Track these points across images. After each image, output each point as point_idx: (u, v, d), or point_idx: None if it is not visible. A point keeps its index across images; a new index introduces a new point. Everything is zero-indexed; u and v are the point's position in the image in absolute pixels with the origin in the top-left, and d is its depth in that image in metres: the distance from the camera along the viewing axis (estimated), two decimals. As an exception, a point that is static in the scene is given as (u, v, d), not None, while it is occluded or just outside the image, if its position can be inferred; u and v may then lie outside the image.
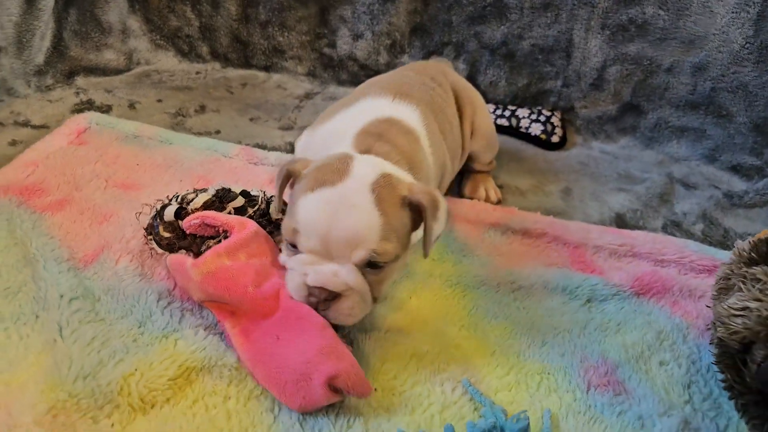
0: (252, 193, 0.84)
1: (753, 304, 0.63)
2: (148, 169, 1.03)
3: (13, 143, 1.08)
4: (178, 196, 0.79)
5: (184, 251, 0.80)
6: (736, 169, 1.32)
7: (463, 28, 1.38)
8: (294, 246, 0.69)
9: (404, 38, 1.43)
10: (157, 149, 1.08)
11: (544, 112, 1.38)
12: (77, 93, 1.30)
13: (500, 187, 1.17)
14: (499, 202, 1.11)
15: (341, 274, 0.67)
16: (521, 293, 0.86)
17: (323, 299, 0.68)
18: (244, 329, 0.69)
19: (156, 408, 0.62)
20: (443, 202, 0.74)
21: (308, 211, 0.67)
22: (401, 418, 0.65)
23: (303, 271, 0.69)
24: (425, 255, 0.74)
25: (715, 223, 1.14)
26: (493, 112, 1.39)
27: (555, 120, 1.36)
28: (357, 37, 1.44)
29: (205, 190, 0.80)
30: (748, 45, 1.23)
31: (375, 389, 0.67)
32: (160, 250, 0.79)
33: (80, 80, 1.35)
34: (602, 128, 1.42)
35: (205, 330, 0.71)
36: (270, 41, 1.49)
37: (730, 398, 0.67)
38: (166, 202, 0.79)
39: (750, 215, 1.18)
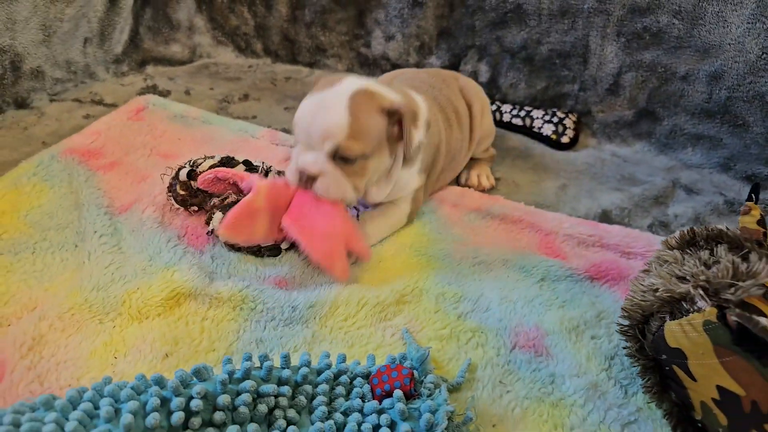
0: (254, 163, 1.00)
1: (657, 281, 0.70)
2: (187, 143, 1.22)
3: (87, 117, 1.31)
4: (191, 161, 0.96)
5: (195, 207, 0.98)
6: (750, 178, 1.32)
7: (485, 33, 1.48)
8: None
9: (432, 40, 1.55)
10: (197, 128, 1.27)
11: (558, 113, 1.44)
12: (145, 79, 1.53)
13: (498, 179, 1.26)
14: (491, 189, 1.21)
15: (318, 161, 0.84)
16: (480, 267, 0.95)
17: (305, 179, 0.85)
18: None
19: (148, 320, 0.79)
20: (424, 113, 0.90)
21: (300, 110, 0.86)
22: (339, 349, 0.78)
23: (295, 158, 0.87)
24: (405, 156, 0.89)
25: (706, 226, 1.16)
26: (509, 111, 1.47)
27: (568, 122, 1.43)
28: (389, 38, 1.57)
29: (212, 157, 0.96)
30: (764, 55, 1.24)
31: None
32: (176, 205, 0.97)
33: (150, 68, 1.59)
34: (618, 132, 1.46)
35: (198, 268, 0.87)
36: (314, 40, 1.66)
37: (631, 365, 0.74)
38: (182, 165, 0.97)
39: (748, 223, 1.19)
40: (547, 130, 1.42)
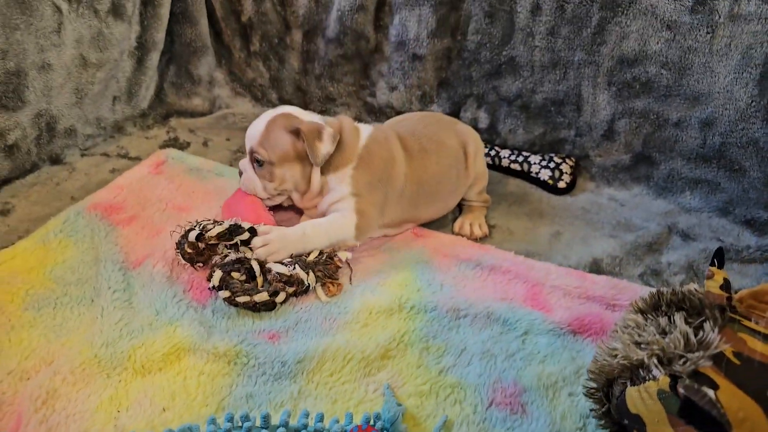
0: (258, 229, 1.08)
1: (618, 346, 0.74)
2: (199, 195, 1.31)
3: (113, 171, 1.42)
4: (200, 224, 1.05)
5: (200, 264, 1.06)
6: (749, 223, 1.34)
7: (482, 83, 1.54)
8: None
9: (432, 90, 1.62)
10: (210, 180, 1.37)
11: (556, 158, 1.49)
12: (168, 132, 1.65)
13: (493, 226, 1.31)
14: (484, 238, 1.26)
15: (245, 162, 1.17)
16: (466, 320, 1.00)
17: (240, 174, 1.18)
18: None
19: (151, 373, 0.86)
20: (328, 131, 1.10)
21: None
22: (323, 405, 0.83)
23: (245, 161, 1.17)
24: (314, 163, 1.11)
25: (699, 275, 1.18)
26: (508, 156, 1.53)
27: (565, 166, 1.47)
28: (392, 88, 1.65)
29: (221, 224, 1.05)
30: (753, 103, 1.27)
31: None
32: (183, 261, 1.06)
33: (173, 121, 1.71)
34: (616, 176, 1.50)
35: (199, 323, 0.95)
36: (323, 90, 1.76)
37: (599, 427, 0.77)
38: (192, 227, 1.05)
39: (744, 270, 1.20)
40: (545, 175, 1.46)
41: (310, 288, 1.04)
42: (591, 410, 0.77)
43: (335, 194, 1.14)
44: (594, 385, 0.76)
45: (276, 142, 1.11)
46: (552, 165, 1.47)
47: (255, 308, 0.99)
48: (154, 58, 1.62)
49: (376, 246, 1.19)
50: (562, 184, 1.44)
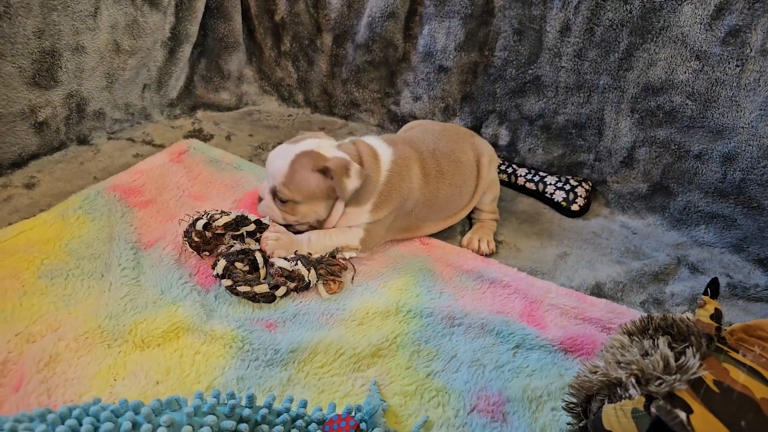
0: (264, 221, 1.10)
1: (600, 364, 0.74)
2: (216, 186, 1.35)
3: (137, 156, 1.48)
4: (208, 214, 1.08)
5: (206, 252, 1.09)
6: (762, 262, 1.32)
7: (505, 100, 1.56)
8: None
9: (456, 103, 1.64)
10: (228, 172, 1.41)
11: (572, 181, 1.49)
12: (193, 123, 1.70)
13: (500, 242, 1.32)
14: (491, 254, 1.27)
15: (265, 190, 1.16)
16: (460, 329, 1.01)
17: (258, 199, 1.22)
18: None
19: (149, 348, 0.90)
20: (355, 168, 1.09)
21: (271, 152, 1.15)
22: (309, 393, 0.85)
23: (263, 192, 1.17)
24: (341, 198, 1.10)
25: (702, 308, 1.17)
26: (524, 175, 1.53)
27: (580, 190, 1.47)
28: (416, 98, 1.68)
29: (228, 214, 1.08)
30: (778, 141, 1.25)
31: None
32: (190, 249, 1.09)
33: (200, 113, 1.76)
34: (632, 204, 1.49)
35: (201, 305, 0.98)
36: (348, 95, 1.79)
37: None
38: (200, 216, 1.08)
39: (749, 308, 1.19)
40: (559, 196, 1.46)
41: (311, 284, 1.06)
42: (568, 424, 0.77)
43: (352, 221, 1.16)
44: (573, 400, 0.77)
45: (302, 183, 1.09)
46: (567, 187, 1.47)
47: (255, 299, 1.02)
48: (186, 50, 1.67)
49: (382, 251, 1.21)
50: (575, 207, 1.44)
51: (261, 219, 1.11)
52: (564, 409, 0.78)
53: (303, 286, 1.06)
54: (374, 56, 1.67)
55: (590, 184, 1.50)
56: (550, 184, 1.49)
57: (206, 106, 1.78)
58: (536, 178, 1.51)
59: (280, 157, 1.10)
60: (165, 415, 0.67)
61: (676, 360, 0.70)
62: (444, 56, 1.57)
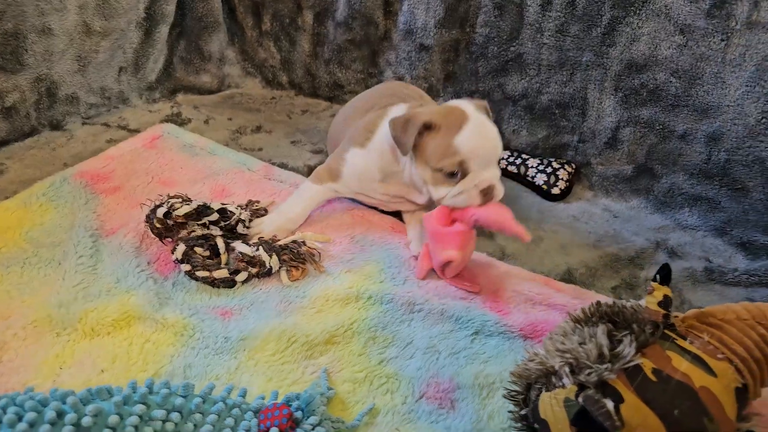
0: (229, 209, 1.09)
1: (540, 352, 0.72)
2: (187, 172, 1.33)
3: (110, 141, 1.46)
4: (169, 202, 1.06)
5: (169, 239, 1.08)
6: (745, 246, 1.27)
7: (488, 79, 1.51)
8: (453, 175, 1.03)
9: (439, 83, 1.59)
10: (201, 158, 1.39)
11: (554, 164, 1.44)
12: (172, 107, 1.68)
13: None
14: None
15: (497, 174, 1.06)
16: (419, 315, 0.99)
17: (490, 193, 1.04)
18: None
19: (99, 336, 0.89)
20: None
21: (473, 144, 1.01)
22: (256, 381, 0.84)
23: (474, 184, 1.02)
24: None
25: (675, 293, 1.12)
26: (506, 158, 1.49)
27: (562, 173, 1.42)
28: (399, 79, 1.63)
29: (189, 203, 1.06)
30: (764, 120, 1.20)
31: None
32: (152, 235, 1.08)
33: (180, 97, 1.74)
34: (616, 186, 1.44)
35: (155, 294, 0.97)
36: (332, 76, 1.75)
37: (513, 428, 0.75)
38: (161, 203, 1.07)
39: (725, 292, 1.15)
40: (540, 179, 1.42)
41: (273, 271, 1.04)
42: (509, 412, 0.75)
43: None
44: (515, 388, 0.75)
45: None
46: (549, 170, 1.43)
47: (214, 284, 1.01)
48: (163, 31, 1.65)
49: (351, 237, 1.18)
50: (555, 191, 1.40)
51: (225, 207, 1.09)
52: (505, 397, 0.76)
53: (264, 272, 1.04)
54: (355, 34, 1.63)
55: (573, 167, 1.46)
56: (532, 167, 1.45)
57: (187, 89, 1.76)
58: (518, 161, 1.47)
59: (493, 133, 1.05)
60: (92, 405, 0.66)
61: (613, 348, 0.67)
62: (425, 34, 1.52)
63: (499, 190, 1.05)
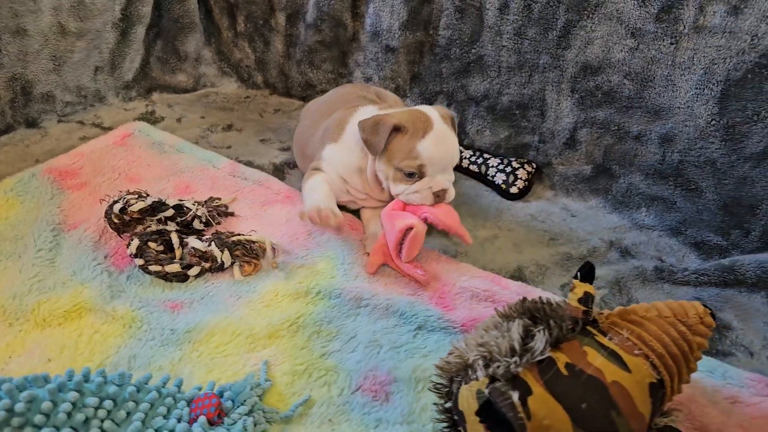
0: (185, 205, 1.12)
1: (462, 346, 0.75)
2: (154, 169, 1.37)
3: (83, 138, 1.50)
4: (125, 198, 1.10)
5: (127, 234, 1.11)
6: (698, 246, 1.30)
7: (451, 80, 1.54)
8: (412, 175, 1.11)
9: (405, 84, 1.62)
10: (169, 155, 1.43)
11: (514, 163, 1.47)
12: (147, 105, 1.71)
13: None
14: None
15: (451, 179, 1.15)
16: (365, 310, 1.02)
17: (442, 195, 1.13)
18: None
19: (50, 327, 0.93)
20: None
21: (431, 149, 1.09)
22: (198, 372, 0.87)
23: (429, 186, 1.11)
24: None
25: (623, 291, 1.16)
26: (468, 158, 1.52)
27: (521, 172, 1.45)
28: (367, 79, 1.67)
29: (145, 199, 1.10)
30: (713, 122, 1.22)
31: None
32: (110, 229, 1.11)
33: (156, 95, 1.77)
34: (577, 186, 1.47)
35: (108, 287, 1.01)
36: (303, 76, 1.79)
37: (436, 421, 0.78)
38: (118, 199, 1.10)
39: (673, 292, 1.17)
40: (499, 179, 1.45)
41: (226, 266, 1.08)
42: (434, 404, 0.78)
43: None
44: (440, 380, 0.77)
45: None
46: (509, 169, 1.46)
47: (167, 278, 1.04)
48: (139, 32, 1.68)
49: (309, 233, 1.21)
50: (514, 190, 1.43)
51: (181, 203, 1.13)
52: (430, 390, 0.78)
53: (218, 267, 1.07)
54: (324, 36, 1.66)
55: (534, 167, 1.48)
56: (492, 166, 1.48)
57: (162, 88, 1.80)
58: (480, 161, 1.50)
59: (452, 139, 1.13)
60: (27, 391, 0.69)
61: (526, 343, 0.70)
62: (390, 35, 1.55)
63: (451, 193, 1.16)
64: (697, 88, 1.22)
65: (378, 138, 1.10)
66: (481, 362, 0.69)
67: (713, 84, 1.20)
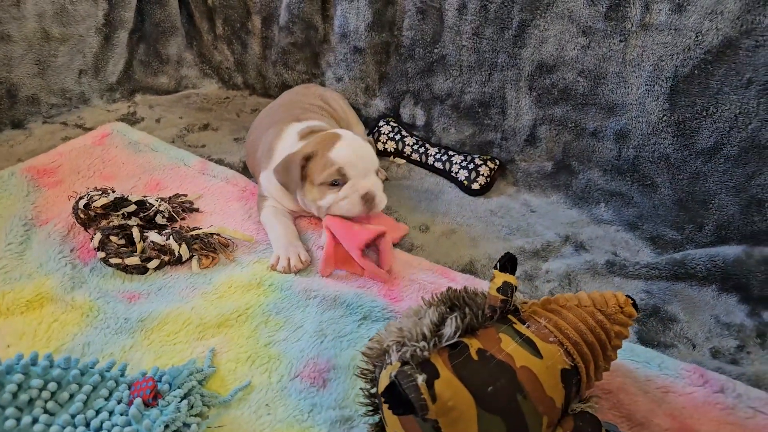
0: (149, 201, 1.18)
1: (384, 333, 0.79)
2: (128, 167, 1.43)
3: (65, 139, 1.56)
4: (89, 195, 1.16)
5: (92, 228, 1.17)
6: (654, 240, 1.32)
7: (417, 80, 1.58)
8: (335, 184, 1.15)
9: (375, 83, 1.67)
10: (143, 154, 1.48)
11: (477, 160, 1.51)
12: (129, 106, 1.78)
13: (397, 219, 1.35)
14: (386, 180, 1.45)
15: (376, 183, 1.18)
16: (314, 301, 1.06)
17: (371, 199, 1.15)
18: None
19: (13, 315, 0.99)
20: None
21: (344, 154, 1.14)
22: (147, 359, 0.93)
23: (355, 190, 1.14)
24: None
25: (573, 284, 1.19)
26: (434, 155, 1.56)
27: (484, 169, 1.49)
28: (339, 79, 1.71)
29: (107, 195, 1.15)
30: (665, 118, 1.25)
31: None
32: (77, 224, 1.17)
33: (138, 97, 1.84)
34: (539, 182, 1.50)
35: (70, 278, 1.06)
36: (279, 77, 1.84)
37: (361, 405, 0.82)
38: (83, 195, 1.16)
39: (623, 285, 1.20)
40: (462, 175, 1.49)
41: (184, 259, 1.13)
42: (360, 389, 0.82)
43: None
44: (367, 366, 0.81)
45: None
46: (471, 166, 1.49)
47: (127, 270, 1.10)
48: (122, 36, 1.74)
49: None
50: (475, 186, 1.47)
51: (144, 199, 1.18)
52: (356, 375, 0.83)
53: (176, 260, 1.13)
54: (296, 38, 1.71)
55: (497, 163, 1.52)
56: (456, 163, 1.51)
57: (145, 89, 1.86)
58: (444, 158, 1.54)
59: (366, 146, 1.19)
60: (-27, 374, 0.75)
61: (439, 329, 0.74)
62: (357, 37, 1.60)
63: (380, 200, 1.18)
64: (647, 85, 1.25)
65: (291, 176, 1.15)
66: (395, 347, 0.73)
67: (662, 80, 1.23)
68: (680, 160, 1.26)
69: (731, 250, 1.18)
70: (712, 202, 1.25)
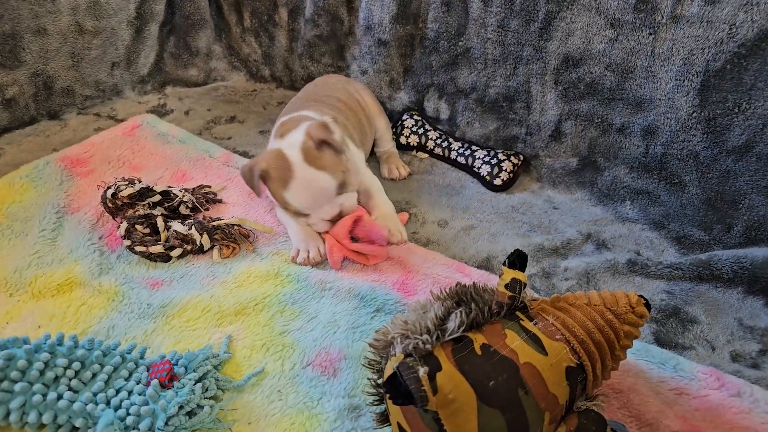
0: (172, 192, 1.21)
1: (390, 325, 0.80)
2: (156, 158, 1.47)
3: (98, 129, 1.62)
4: (117, 185, 1.20)
5: (119, 217, 1.22)
6: (680, 240, 1.29)
7: (441, 73, 1.57)
8: (305, 215, 1.17)
9: (399, 77, 1.67)
10: (170, 145, 1.53)
11: (500, 155, 1.49)
12: (160, 98, 1.83)
13: (412, 214, 1.36)
14: (409, 176, 1.50)
15: (339, 203, 1.16)
16: (329, 293, 1.08)
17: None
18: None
19: (45, 298, 1.03)
20: (329, 122, 1.25)
21: (297, 199, 1.13)
22: (166, 343, 0.96)
23: (319, 219, 1.16)
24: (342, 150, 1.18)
25: (591, 282, 1.18)
26: (457, 149, 1.55)
27: (507, 164, 1.47)
28: (363, 72, 1.72)
29: (133, 185, 1.20)
30: (695, 114, 1.21)
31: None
32: (106, 213, 1.22)
33: (169, 89, 1.88)
34: (564, 179, 1.48)
35: (98, 264, 1.11)
36: (305, 69, 1.85)
37: (367, 394, 0.83)
38: (111, 185, 1.21)
39: (644, 285, 1.18)
40: (484, 170, 1.48)
41: (206, 248, 1.16)
42: (368, 378, 0.83)
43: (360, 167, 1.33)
44: (374, 357, 0.83)
45: (333, 166, 1.18)
46: (494, 161, 1.48)
47: (151, 258, 1.14)
48: (153, 29, 1.79)
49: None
50: (498, 181, 1.46)
51: (168, 190, 1.22)
52: (364, 365, 0.84)
53: (198, 249, 1.16)
54: (321, 30, 1.72)
55: (521, 158, 1.50)
56: (479, 158, 1.51)
57: (175, 82, 1.90)
58: (467, 152, 1.53)
59: (315, 178, 1.12)
60: (6, 351, 0.80)
61: (444, 323, 0.75)
62: (381, 29, 1.60)
63: (347, 208, 1.17)
64: (677, 80, 1.22)
65: (254, 183, 1.14)
66: (399, 339, 0.74)
67: (693, 75, 1.19)
68: (710, 158, 1.22)
69: (761, 252, 1.15)
70: (742, 202, 1.21)
